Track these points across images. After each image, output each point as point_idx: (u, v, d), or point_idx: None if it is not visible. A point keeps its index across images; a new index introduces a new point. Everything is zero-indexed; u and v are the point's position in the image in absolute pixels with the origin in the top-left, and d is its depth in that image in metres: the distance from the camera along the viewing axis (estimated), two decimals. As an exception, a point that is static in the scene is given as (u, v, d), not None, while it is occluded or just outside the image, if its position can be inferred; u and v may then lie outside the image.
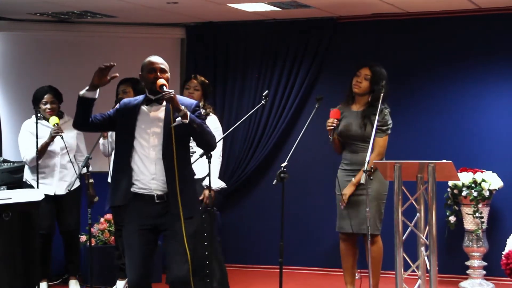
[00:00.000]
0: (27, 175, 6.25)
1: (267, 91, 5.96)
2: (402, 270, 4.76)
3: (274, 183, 4.88)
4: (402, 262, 4.73)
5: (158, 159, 4.18)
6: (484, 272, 6.38)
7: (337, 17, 7.07)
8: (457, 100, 6.78)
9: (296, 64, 7.15)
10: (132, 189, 4.21)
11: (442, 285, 5.88)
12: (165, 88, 4.12)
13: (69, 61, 7.27)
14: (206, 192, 5.50)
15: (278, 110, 7.20)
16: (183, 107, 4.09)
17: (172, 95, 4.07)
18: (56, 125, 6.01)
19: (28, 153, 6.12)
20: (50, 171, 6.22)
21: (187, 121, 4.08)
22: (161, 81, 4.18)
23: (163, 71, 4.25)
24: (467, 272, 6.41)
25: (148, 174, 4.19)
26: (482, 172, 6.34)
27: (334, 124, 5.41)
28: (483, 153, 6.63)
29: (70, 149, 6.20)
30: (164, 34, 7.50)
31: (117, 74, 4.24)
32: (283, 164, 4.82)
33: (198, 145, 4.41)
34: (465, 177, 6.28)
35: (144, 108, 4.28)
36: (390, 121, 5.48)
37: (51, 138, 6.05)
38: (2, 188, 6.20)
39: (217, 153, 5.57)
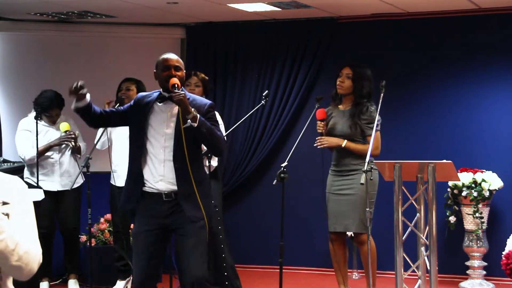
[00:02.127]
0: (27, 174, 6.25)
1: (267, 91, 5.97)
2: (402, 270, 4.76)
3: (274, 183, 4.89)
4: (402, 262, 4.74)
5: (167, 160, 4.13)
6: (484, 272, 6.38)
7: (337, 17, 7.07)
8: (457, 100, 6.78)
9: (296, 64, 7.15)
10: (143, 189, 4.18)
11: (442, 285, 5.88)
12: (176, 89, 4.06)
13: (69, 61, 7.27)
14: None
15: (278, 110, 7.20)
16: (193, 110, 4.03)
17: (181, 97, 4.01)
18: (66, 132, 6.05)
19: (26, 151, 6.13)
20: (50, 167, 6.21)
21: (195, 125, 4.02)
22: (174, 80, 4.10)
23: (177, 68, 4.18)
24: (467, 272, 6.41)
25: (156, 175, 4.15)
26: (482, 172, 6.34)
27: (320, 128, 5.43)
28: (483, 153, 6.63)
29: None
30: (164, 34, 7.50)
31: (86, 90, 4.20)
32: (283, 164, 4.82)
33: (207, 149, 4.36)
34: (465, 177, 6.28)
35: (157, 106, 4.21)
36: (378, 117, 5.31)
37: (59, 143, 6.07)
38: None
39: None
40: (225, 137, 4.31)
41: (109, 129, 5.99)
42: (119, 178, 6.07)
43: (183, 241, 4.14)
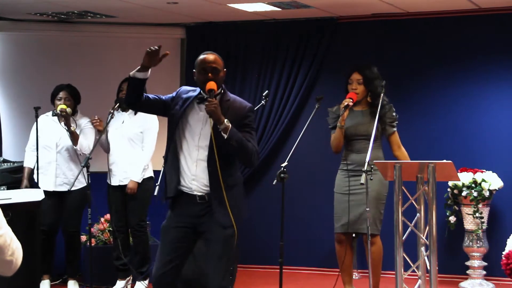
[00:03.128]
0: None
1: (267, 91, 5.97)
2: (402, 270, 4.75)
3: (274, 183, 4.88)
4: (402, 262, 4.73)
5: (200, 160, 4.03)
6: (484, 272, 6.38)
7: (337, 17, 7.07)
8: (457, 100, 6.78)
9: (296, 64, 7.15)
10: (179, 187, 4.10)
11: (442, 285, 5.88)
12: (212, 93, 3.93)
13: (69, 61, 7.27)
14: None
15: (278, 110, 7.20)
16: (225, 121, 3.90)
17: (212, 108, 3.88)
18: (62, 109, 5.96)
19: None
20: (47, 166, 6.18)
21: (225, 136, 3.91)
22: (210, 84, 3.97)
23: (215, 70, 4.05)
24: (467, 272, 6.41)
25: (189, 174, 4.06)
26: (482, 172, 6.34)
27: (351, 103, 5.33)
28: (483, 153, 6.63)
29: (68, 147, 6.17)
30: (164, 34, 7.50)
31: (168, 52, 4.03)
32: (283, 164, 4.81)
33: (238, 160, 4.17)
34: (465, 177, 6.28)
35: (196, 104, 4.10)
36: (397, 117, 5.52)
37: (66, 124, 6.01)
38: (2, 188, 6.20)
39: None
40: (257, 148, 4.11)
41: (108, 129, 6.00)
42: (114, 178, 6.07)
43: (209, 246, 4.06)
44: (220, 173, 3.97)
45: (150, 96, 4.13)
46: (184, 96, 4.14)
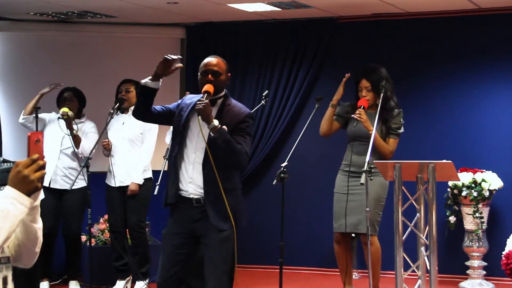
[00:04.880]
0: None
1: (267, 91, 5.97)
2: (402, 270, 4.75)
3: (274, 183, 4.88)
4: (402, 262, 4.73)
5: (196, 163, 4.07)
6: (484, 272, 6.38)
7: (337, 17, 7.07)
8: (457, 100, 6.78)
9: (296, 64, 7.15)
10: (179, 192, 4.14)
11: (442, 285, 5.88)
12: (208, 96, 3.98)
13: (69, 61, 7.27)
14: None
15: (278, 110, 7.20)
16: (214, 121, 3.93)
17: (201, 107, 3.90)
18: (64, 113, 5.96)
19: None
20: (48, 165, 6.15)
21: (212, 135, 3.94)
22: (206, 87, 4.02)
23: (216, 73, 4.08)
24: (467, 272, 6.41)
25: (187, 177, 4.10)
26: (482, 172, 6.34)
27: (360, 115, 5.27)
28: (483, 153, 6.63)
29: (70, 148, 6.17)
30: (164, 34, 7.50)
31: (181, 65, 4.07)
32: (283, 164, 4.82)
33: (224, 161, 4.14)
34: (465, 177, 6.28)
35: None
36: (403, 123, 5.47)
37: (70, 130, 6.00)
38: (2, 188, 6.18)
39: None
40: (248, 151, 4.11)
41: (108, 129, 6.00)
42: (116, 178, 6.07)
43: (205, 251, 4.10)
44: (217, 174, 3.98)
45: (158, 107, 4.17)
46: (188, 102, 4.20)
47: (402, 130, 5.48)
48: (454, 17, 6.77)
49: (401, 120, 5.45)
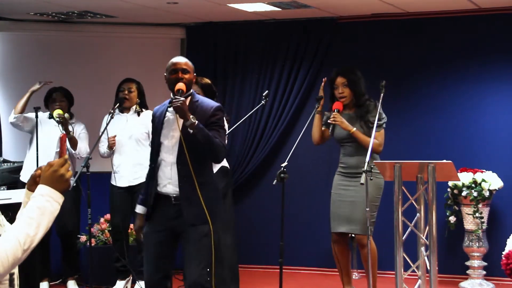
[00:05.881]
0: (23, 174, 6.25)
1: (267, 91, 5.97)
2: (402, 270, 4.76)
3: (274, 183, 4.88)
4: (402, 262, 4.73)
5: (174, 163, 4.16)
6: (484, 272, 6.38)
7: (337, 17, 7.07)
8: (457, 100, 6.78)
9: (296, 64, 7.15)
10: (157, 191, 4.23)
11: (442, 285, 5.88)
12: (181, 94, 4.09)
13: (69, 61, 7.27)
14: None
15: (278, 110, 7.20)
16: (191, 117, 4.03)
17: (178, 104, 4.02)
18: (60, 115, 5.97)
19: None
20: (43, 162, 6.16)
21: (191, 131, 4.04)
22: (179, 85, 4.14)
23: (185, 71, 4.22)
24: (467, 272, 6.41)
25: (165, 178, 4.20)
26: (482, 172, 6.34)
27: (335, 118, 5.37)
28: (483, 153, 6.63)
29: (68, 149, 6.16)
30: (164, 34, 7.49)
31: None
32: (283, 164, 4.82)
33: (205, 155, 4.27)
34: (465, 177, 6.27)
35: (168, 111, 4.23)
36: (384, 115, 5.46)
37: (66, 132, 6.00)
38: (2, 188, 6.19)
39: None
40: (225, 144, 4.24)
41: (109, 129, 5.99)
42: (122, 179, 6.07)
43: (185, 247, 4.18)
44: (192, 170, 4.09)
45: (154, 160, 4.28)
46: (158, 112, 4.32)
47: (384, 120, 5.42)
48: (454, 17, 6.77)
49: (379, 111, 5.32)
